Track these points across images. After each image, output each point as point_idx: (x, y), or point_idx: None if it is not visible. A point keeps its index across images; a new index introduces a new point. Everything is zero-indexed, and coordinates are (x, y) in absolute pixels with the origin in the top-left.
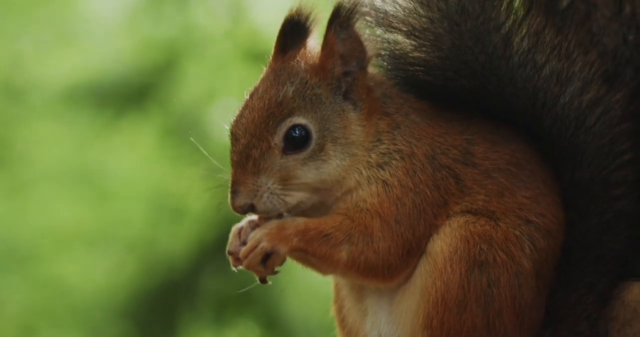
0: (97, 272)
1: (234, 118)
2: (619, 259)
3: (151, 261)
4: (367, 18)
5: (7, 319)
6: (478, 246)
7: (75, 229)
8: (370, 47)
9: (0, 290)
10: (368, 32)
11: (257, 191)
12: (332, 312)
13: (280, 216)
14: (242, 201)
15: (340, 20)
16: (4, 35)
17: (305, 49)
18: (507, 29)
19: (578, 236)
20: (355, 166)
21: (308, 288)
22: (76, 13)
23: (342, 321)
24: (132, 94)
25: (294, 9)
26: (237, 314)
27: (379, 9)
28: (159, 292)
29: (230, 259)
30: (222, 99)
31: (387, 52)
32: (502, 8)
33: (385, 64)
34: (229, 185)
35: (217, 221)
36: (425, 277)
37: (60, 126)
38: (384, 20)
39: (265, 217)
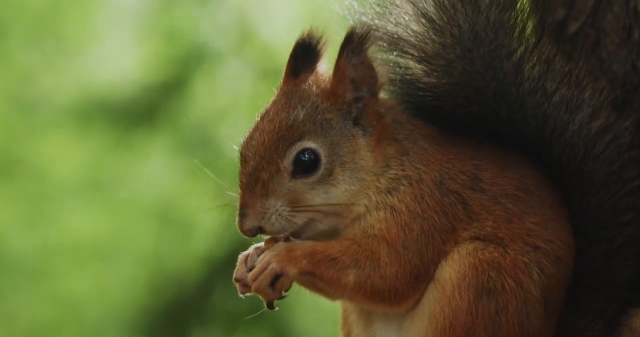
0: (108, 288)
1: (244, 139)
2: (627, 285)
3: (161, 277)
4: (379, 42)
5: (18, 334)
6: (486, 273)
7: (86, 244)
8: (382, 73)
9: (11, 305)
10: (380, 58)
11: (265, 213)
12: None
13: (287, 239)
14: (250, 223)
15: (353, 46)
16: (16, 49)
17: (316, 72)
18: (518, 56)
19: (587, 261)
20: (364, 192)
21: (317, 304)
22: (87, 28)
23: None
24: (142, 110)
25: (305, 33)
26: (247, 331)
27: (391, 33)
28: (170, 308)
29: (237, 286)
30: (232, 115)
31: (398, 77)
32: (515, 35)
33: (396, 88)
34: (237, 207)
35: (227, 237)
36: (434, 304)
37: (71, 141)
38: (396, 45)
39: (273, 241)
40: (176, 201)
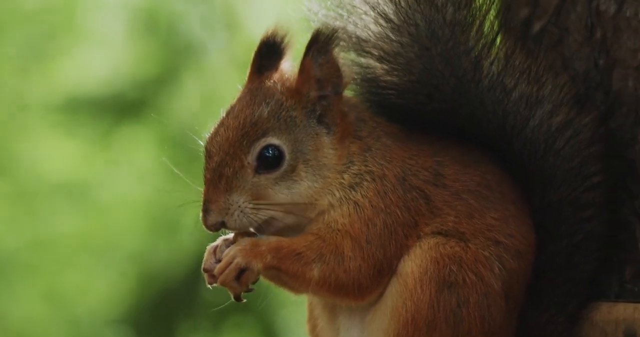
0: (97, 284)
1: (209, 135)
2: (588, 280)
3: (149, 272)
4: (344, 43)
5: (9, 331)
6: (448, 267)
7: (75, 241)
8: (346, 73)
9: (2, 302)
10: (345, 58)
11: (229, 209)
12: (306, 330)
13: (253, 235)
14: (213, 219)
15: (319, 46)
16: (7, 47)
17: (280, 70)
18: (476, 53)
19: (548, 256)
20: (328, 188)
21: (305, 297)
22: (77, 26)
23: None
24: (130, 106)
25: (270, 31)
26: (234, 324)
27: (351, 33)
28: (158, 303)
29: (205, 276)
30: (218, 110)
31: (360, 76)
32: (472, 33)
33: (359, 87)
34: (201, 203)
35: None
36: (396, 298)
37: (62, 138)
38: (356, 45)
39: (240, 235)
40: (163, 195)
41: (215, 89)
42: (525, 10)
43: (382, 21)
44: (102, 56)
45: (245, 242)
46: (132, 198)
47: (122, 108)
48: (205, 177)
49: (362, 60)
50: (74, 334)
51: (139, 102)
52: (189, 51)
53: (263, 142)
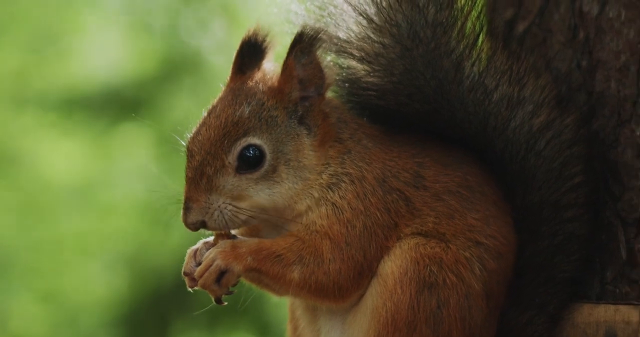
0: (94, 284)
1: (191, 135)
2: (569, 280)
3: (144, 270)
4: (327, 44)
5: (8, 331)
6: (428, 268)
7: (74, 241)
8: (329, 74)
9: (2, 301)
10: (329, 59)
11: (209, 208)
12: (288, 332)
13: (234, 237)
14: (194, 217)
15: (302, 46)
16: (8, 47)
17: (262, 70)
18: (458, 54)
19: (529, 257)
20: (307, 191)
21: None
22: (77, 26)
23: None
24: (127, 105)
25: (251, 31)
26: (230, 323)
27: (333, 34)
28: (154, 302)
29: (186, 279)
30: None
31: (342, 77)
32: (453, 34)
33: (341, 88)
34: (182, 201)
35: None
36: (376, 298)
37: (62, 138)
38: (338, 46)
39: (221, 237)
40: (155, 196)
41: (213, 89)
42: (510, 11)
43: (363, 22)
44: (100, 56)
45: (225, 244)
46: (129, 198)
47: (120, 107)
48: (186, 175)
49: (344, 61)
50: (71, 334)
51: (137, 101)
52: (187, 51)
53: (244, 142)
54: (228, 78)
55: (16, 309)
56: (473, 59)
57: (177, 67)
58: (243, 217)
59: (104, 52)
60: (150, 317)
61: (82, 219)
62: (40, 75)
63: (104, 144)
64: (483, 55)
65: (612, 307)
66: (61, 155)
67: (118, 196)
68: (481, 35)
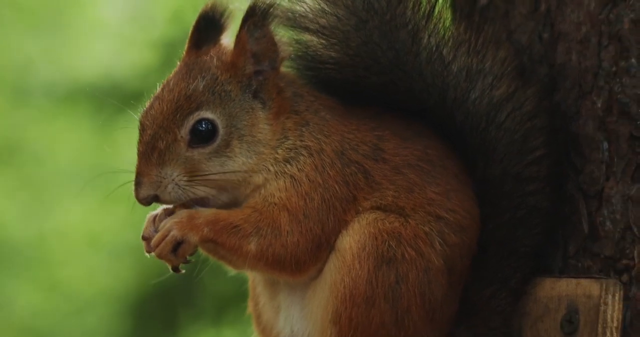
0: (100, 274)
1: (144, 109)
2: (532, 254)
3: (152, 262)
4: (280, 17)
5: (15, 320)
6: (386, 243)
7: (80, 231)
8: (283, 48)
9: (8, 291)
10: (283, 34)
11: (161, 182)
12: (249, 308)
13: (192, 206)
14: (145, 192)
15: (255, 19)
16: (13, 38)
17: (219, 45)
18: (414, 25)
19: (492, 231)
20: (262, 164)
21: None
22: (79, 17)
23: (258, 318)
24: (130, 96)
25: (209, 5)
26: (235, 311)
27: (287, 8)
28: (160, 292)
29: (144, 244)
30: None
31: (299, 52)
32: (409, 4)
33: (295, 63)
34: (134, 176)
35: None
36: (334, 273)
37: (67, 129)
38: (292, 20)
39: (180, 206)
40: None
41: None
42: None
43: None
44: (103, 46)
45: (182, 214)
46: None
47: (122, 98)
48: (138, 150)
49: (299, 35)
50: (77, 325)
51: (140, 91)
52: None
53: (197, 116)
54: (184, 53)
55: (21, 300)
56: (430, 30)
57: (180, 58)
58: (196, 190)
59: (107, 42)
60: (157, 307)
61: (88, 209)
62: (44, 66)
63: (108, 134)
64: (440, 26)
65: (573, 281)
66: (66, 145)
67: (123, 185)
68: (437, 5)
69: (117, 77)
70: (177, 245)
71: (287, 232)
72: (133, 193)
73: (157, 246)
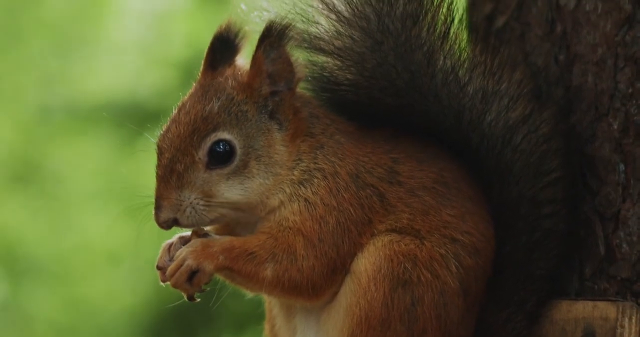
0: (120, 291)
1: (161, 132)
2: (548, 277)
3: None
4: (296, 38)
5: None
6: (402, 265)
7: (100, 248)
8: (299, 69)
9: (29, 308)
10: (298, 55)
11: (180, 205)
12: (265, 331)
13: (206, 235)
14: (165, 215)
15: (271, 40)
16: (34, 55)
17: (234, 66)
18: (429, 46)
19: (508, 253)
20: (279, 186)
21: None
22: (100, 35)
23: None
24: (151, 114)
25: (224, 26)
26: (255, 330)
27: (302, 29)
28: (180, 312)
29: (159, 274)
30: None
31: (314, 73)
32: (424, 26)
33: (311, 84)
34: (154, 200)
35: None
36: (350, 296)
37: (88, 146)
38: (309, 42)
39: (196, 234)
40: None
41: None
42: (489, 6)
43: (332, 16)
44: (123, 64)
45: (196, 243)
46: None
47: (143, 116)
48: (157, 174)
49: (315, 56)
50: None
51: (160, 110)
52: None
53: (214, 137)
54: (199, 74)
55: (43, 316)
56: (445, 52)
57: (195, 79)
58: (215, 213)
59: (128, 61)
60: (176, 326)
61: (108, 225)
62: (65, 84)
63: (128, 152)
64: (456, 47)
65: (590, 303)
66: (86, 162)
67: (142, 202)
68: (452, 27)
69: (137, 96)
70: (193, 274)
71: (303, 257)
72: (153, 217)
73: (172, 275)
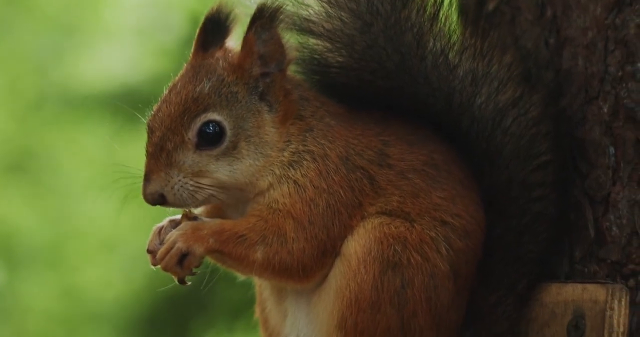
0: (113, 279)
1: (152, 112)
2: (538, 260)
3: None
4: (288, 20)
5: (30, 325)
6: (392, 247)
7: (94, 237)
8: (290, 50)
9: (24, 296)
10: (288, 37)
11: (169, 181)
12: (256, 313)
13: (197, 218)
14: (152, 188)
15: (263, 21)
16: (27, 43)
17: (225, 47)
18: (419, 28)
19: (498, 236)
20: (269, 168)
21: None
22: (94, 23)
23: (265, 323)
24: (144, 102)
25: (215, 7)
26: (248, 319)
27: (292, 12)
28: (173, 299)
29: (149, 257)
30: None
31: (305, 56)
32: (414, 7)
33: (301, 66)
34: (143, 175)
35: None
36: (340, 278)
37: (79, 134)
38: (299, 24)
39: (186, 217)
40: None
41: None
42: None
43: None
44: (118, 52)
45: (186, 226)
46: None
47: (137, 103)
48: (147, 151)
49: (305, 38)
50: (91, 330)
51: (154, 97)
52: None
53: (203, 118)
54: (190, 55)
55: (37, 305)
56: (435, 34)
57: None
58: (204, 193)
59: (122, 48)
60: (170, 314)
61: (102, 214)
62: (59, 72)
63: (123, 140)
64: (446, 29)
65: (579, 286)
66: (81, 150)
67: (136, 190)
68: (442, 8)
69: (131, 83)
70: (183, 257)
71: (293, 239)
72: (141, 190)
73: (162, 258)
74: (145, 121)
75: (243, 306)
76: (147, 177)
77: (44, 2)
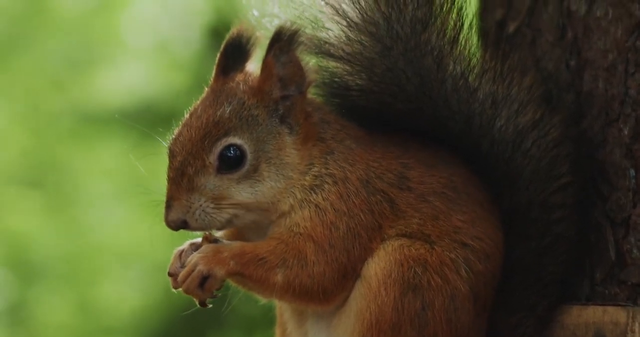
0: (129, 294)
1: (173, 136)
2: (558, 282)
3: None
4: (307, 43)
5: None
6: (412, 270)
7: (110, 251)
8: (310, 73)
9: (39, 311)
10: (309, 60)
11: (190, 207)
12: (276, 335)
13: (217, 241)
14: (175, 215)
15: (281, 44)
16: (44, 58)
17: (246, 71)
18: (439, 51)
19: (518, 258)
20: (290, 190)
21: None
22: (111, 38)
23: None
24: (161, 117)
25: (235, 32)
26: (264, 334)
27: (312, 35)
28: (189, 314)
29: (170, 280)
30: None
31: (324, 79)
32: (434, 30)
33: (322, 90)
34: (164, 201)
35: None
36: (360, 301)
37: (97, 148)
38: (318, 47)
39: (207, 240)
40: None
41: None
42: (500, 11)
43: (341, 21)
44: (135, 67)
45: (207, 249)
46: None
47: (152, 119)
48: (168, 176)
49: (324, 61)
50: None
51: (171, 113)
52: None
53: (224, 142)
54: (211, 80)
55: (53, 318)
56: (455, 57)
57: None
58: (225, 216)
59: (139, 63)
60: (186, 328)
61: (118, 228)
62: (77, 86)
63: (139, 155)
64: (466, 52)
65: (600, 308)
66: (97, 165)
67: (154, 204)
68: (462, 32)
69: (149, 97)
70: (204, 280)
71: (313, 262)
72: (163, 216)
73: (183, 281)
74: (162, 139)
75: (259, 321)
76: (169, 204)
77: (62, 18)
